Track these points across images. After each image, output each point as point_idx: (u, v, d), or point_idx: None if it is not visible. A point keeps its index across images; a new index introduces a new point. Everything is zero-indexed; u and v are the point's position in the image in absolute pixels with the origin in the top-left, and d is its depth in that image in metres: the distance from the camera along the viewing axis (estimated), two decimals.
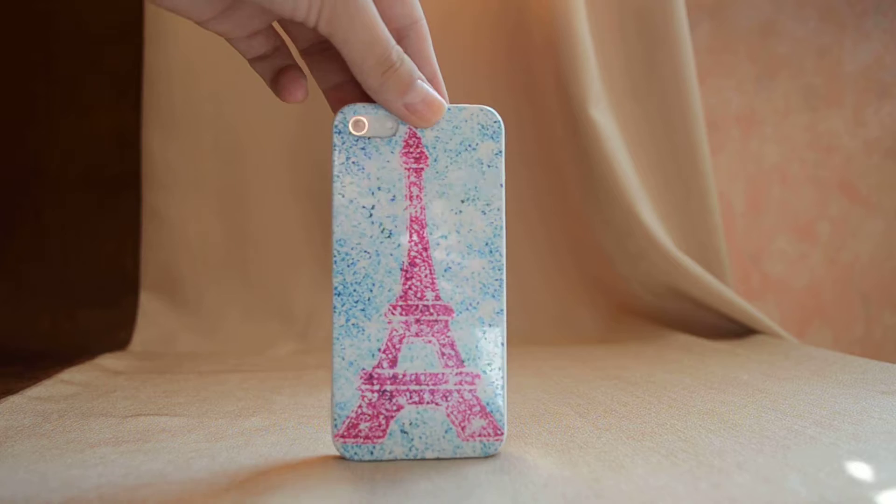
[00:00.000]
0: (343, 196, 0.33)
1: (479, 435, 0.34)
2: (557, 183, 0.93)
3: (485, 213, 0.33)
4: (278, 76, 0.35)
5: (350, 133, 0.33)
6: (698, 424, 0.41)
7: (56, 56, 0.96)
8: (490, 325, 0.34)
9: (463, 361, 0.33)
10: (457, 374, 0.33)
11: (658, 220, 0.89)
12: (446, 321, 0.33)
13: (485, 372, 0.34)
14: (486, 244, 0.33)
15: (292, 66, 0.36)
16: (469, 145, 0.33)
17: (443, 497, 0.29)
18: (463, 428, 0.33)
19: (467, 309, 0.33)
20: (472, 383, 0.33)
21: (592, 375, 0.60)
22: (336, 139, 0.33)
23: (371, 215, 0.33)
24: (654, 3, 0.88)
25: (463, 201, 0.33)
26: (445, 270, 0.33)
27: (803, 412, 0.43)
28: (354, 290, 0.33)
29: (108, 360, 0.70)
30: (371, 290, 0.33)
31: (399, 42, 0.33)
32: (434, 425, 0.33)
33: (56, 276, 0.94)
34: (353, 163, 0.33)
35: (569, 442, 0.37)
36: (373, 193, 0.33)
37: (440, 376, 0.33)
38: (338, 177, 0.33)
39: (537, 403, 0.48)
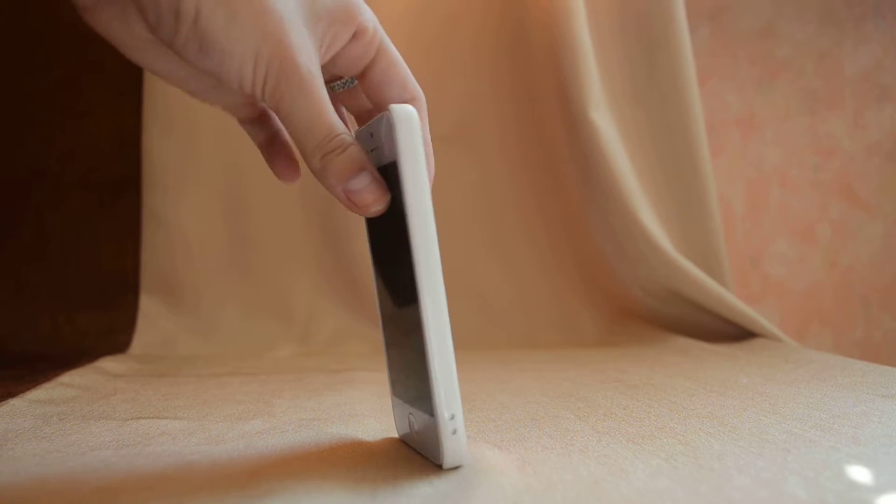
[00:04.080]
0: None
1: None
2: (557, 186, 0.93)
3: None
4: (272, 154, 0.37)
5: None
6: (698, 428, 0.41)
7: (56, 57, 0.96)
8: None
9: None
10: None
11: (658, 223, 0.89)
12: None
13: None
14: None
15: (285, 148, 0.37)
16: None
17: (443, 500, 0.29)
18: None
19: None
20: None
21: (592, 378, 0.60)
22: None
23: None
24: (653, 7, 0.88)
25: None
26: None
27: (803, 415, 0.43)
28: None
29: (108, 363, 0.70)
30: None
31: None
32: None
33: (56, 278, 0.94)
34: None
35: (568, 445, 0.37)
36: None
37: None
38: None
39: (537, 406, 0.48)
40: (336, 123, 0.31)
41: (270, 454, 0.36)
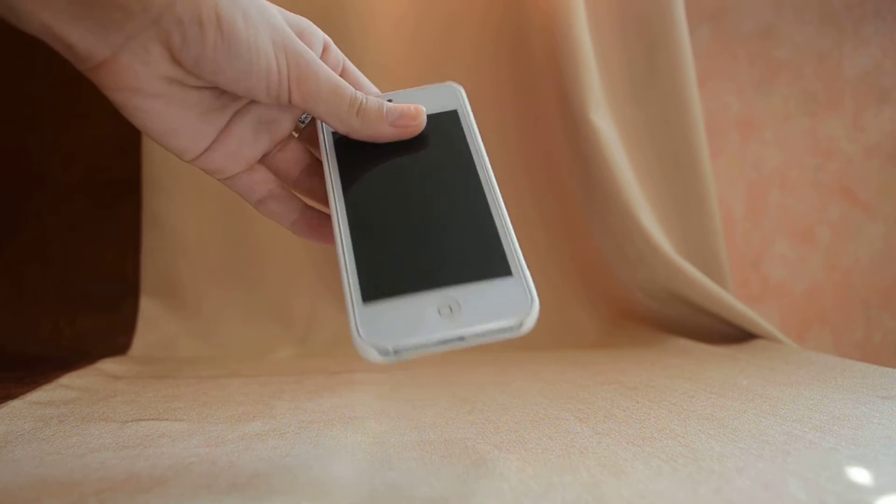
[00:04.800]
0: None
1: None
2: (557, 187, 0.93)
3: None
4: (303, 227, 0.37)
5: None
6: (698, 429, 0.41)
7: (58, 60, 0.96)
8: None
9: None
10: None
11: (658, 224, 0.89)
12: None
13: None
14: None
15: (313, 214, 0.37)
16: None
17: (443, 503, 0.29)
18: None
19: None
20: None
21: (592, 380, 0.60)
22: None
23: None
24: (653, 9, 0.88)
25: None
26: None
27: (803, 417, 0.43)
28: None
29: (108, 365, 0.70)
30: None
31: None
32: None
33: (57, 280, 0.94)
34: None
35: (569, 447, 0.37)
36: None
37: None
38: None
39: (537, 408, 0.48)
40: (346, 84, 0.33)
41: (270, 456, 0.36)
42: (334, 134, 0.36)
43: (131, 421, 0.45)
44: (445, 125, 0.36)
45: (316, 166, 0.37)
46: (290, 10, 0.34)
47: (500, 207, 0.33)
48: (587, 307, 0.94)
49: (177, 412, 0.48)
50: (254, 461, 0.35)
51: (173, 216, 0.89)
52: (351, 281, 0.30)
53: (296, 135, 0.37)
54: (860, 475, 0.31)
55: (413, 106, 0.35)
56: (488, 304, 0.29)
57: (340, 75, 0.35)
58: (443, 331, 0.28)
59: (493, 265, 0.30)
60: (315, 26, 0.35)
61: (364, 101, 0.34)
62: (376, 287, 0.30)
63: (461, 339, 0.29)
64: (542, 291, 1.04)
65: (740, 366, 0.67)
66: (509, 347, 0.87)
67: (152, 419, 0.45)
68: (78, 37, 0.28)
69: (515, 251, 0.31)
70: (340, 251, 0.31)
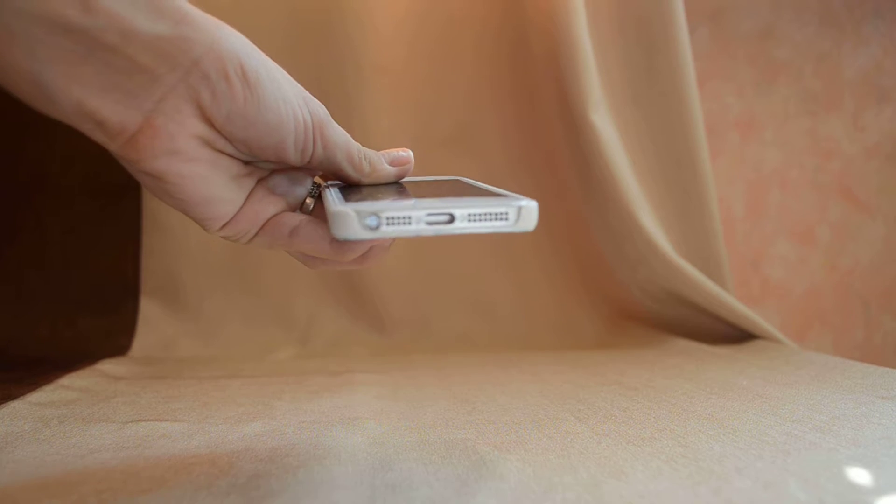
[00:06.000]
0: None
1: None
2: (558, 188, 0.93)
3: None
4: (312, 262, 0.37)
5: None
6: (698, 430, 0.41)
7: None
8: None
9: None
10: None
11: (658, 224, 0.89)
12: None
13: None
14: None
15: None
16: None
17: (443, 503, 0.29)
18: None
19: None
20: None
21: (592, 381, 0.60)
22: None
23: None
24: (653, 9, 0.88)
25: None
26: None
27: (803, 417, 0.43)
28: None
29: (108, 366, 0.70)
30: None
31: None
32: None
33: (57, 282, 0.94)
34: None
35: (569, 447, 0.37)
36: None
37: None
38: None
39: (537, 409, 0.48)
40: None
41: (270, 456, 0.36)
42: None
43: (131, 422, 0.45)
44: None
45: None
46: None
47: None
48: (587, 307, 0.94)
49: (177, 413, 0.48)
50: (254, 462, 0.35)
51: (173, 217, 0.89)
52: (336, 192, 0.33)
53: (310, 203, 0.37)
54: (860, 475, 0.31)
55: (403, 150, 0.37)
56: (481, 202, 0.29)
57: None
58: (431, 208, 0.29)
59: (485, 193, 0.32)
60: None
61: (363, 148, 0.36)
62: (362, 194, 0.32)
63: (450, 217, 0.29)
64: (543, 292, 1.03)
65: (740, 366, 0.67)
66: (509, 348, 0.87)
67: (152, 420, 0.45)
68: (109, 110, 0.27)
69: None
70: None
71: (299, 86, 0.33)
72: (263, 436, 0.41)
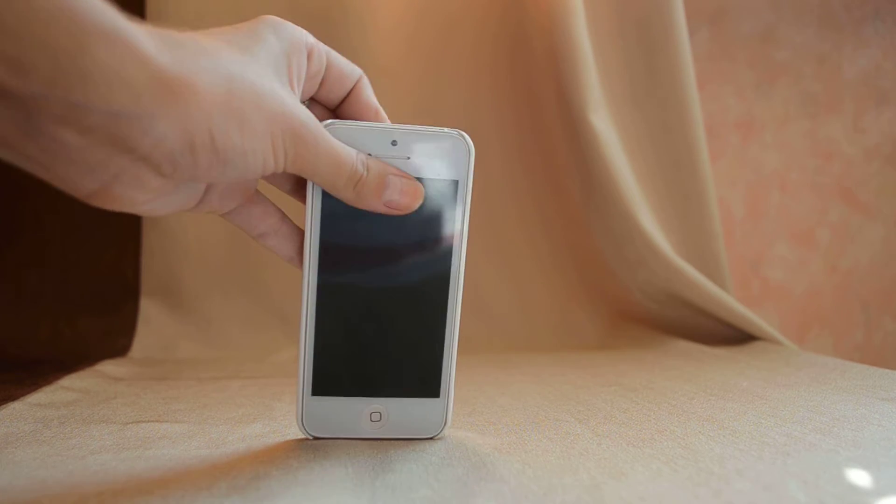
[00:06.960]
0: None
1: None
2: (557, 189, 0.93)
3: None
4: (300, 263, 0.37)
5: None
6: (698, 431, 0.41)
7: None
8: None
9: None
10: None
11: (658, 226, 0.89)
12: None
13: None
14: None
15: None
16: None
17: None
18: None
19: None
20: None
21: (592, 382, 0.60)
22: None
23: None
24: (653, 11, 0.89)
25: None
26: None
27: (803, 419, 0.43)
28: None
29: (108, 367, 0.70)
30: None
31: (347, 97, 0.36)
32: None
33: (56, 282, 0.94)
34: None
35: (569, 448, 0.37)
36: None
37: None
38: None
39: (537, 410, 0.48)
40: (349, 154, 0.33)
41: (271, 457, 0.36)
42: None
43: (131, 423, 0.45)
44: (440, 198, 0.36)
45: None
46: (292, 13, 0.34)
47: (454, 323, 0.37)
48: (587, 309, 0.94)
49: (177, 414, 0.48)
50: (254, 463, 0.35)
51: (173, 218, 0.89)
52: (306, 373, 0.36)
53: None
54: (860, 477, 0.31)
55: (414, 186, 0.34)
56: (410, 418, 0.38)
57: (325, 72, 0.35)
58: (366, 433, 0.38)
59: (426, 386, 0.37)
60: (301, 32, 0.34)
61: (365, 174, 0.33)
62: (324, 385, 0.37)
63: (379, 439, 0.38)
64: (542, 293, 1.03)
65: (740, 367, 0.67)
66: (509, 349, 0.87)
67: (152, 421, 0.45)
68: (65, 175, 0.26)
69: (450, 375, 0.37)
70: (303, 340, 0.36)
71: (287, 112, 0.30)
72: (264, 436, 0.41)
